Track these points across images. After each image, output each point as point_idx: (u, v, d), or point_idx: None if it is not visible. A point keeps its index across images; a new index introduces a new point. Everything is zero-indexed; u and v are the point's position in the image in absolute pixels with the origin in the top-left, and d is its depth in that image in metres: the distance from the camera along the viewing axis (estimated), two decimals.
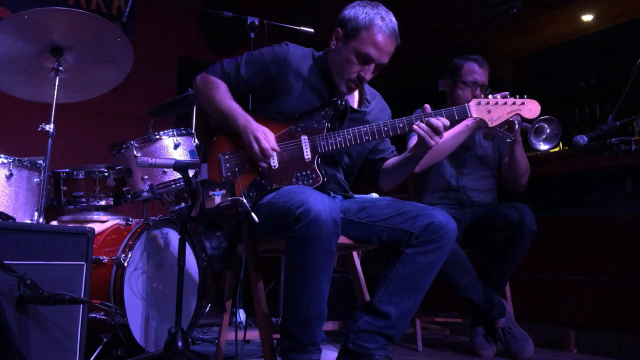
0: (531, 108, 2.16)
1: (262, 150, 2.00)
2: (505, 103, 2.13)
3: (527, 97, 2.14)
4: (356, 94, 2.27)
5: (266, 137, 2.03)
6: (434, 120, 2.00)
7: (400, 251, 1.97)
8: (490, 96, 2.16)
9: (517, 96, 2.16)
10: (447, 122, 2.03)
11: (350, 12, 2.12)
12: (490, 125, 2.12)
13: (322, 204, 1.77)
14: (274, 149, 2.02)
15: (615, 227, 3.13)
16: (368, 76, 2.12)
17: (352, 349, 1.92)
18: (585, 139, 2.17)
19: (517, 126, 2.63)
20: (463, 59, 3.04)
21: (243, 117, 2.07)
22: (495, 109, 2.12)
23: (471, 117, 2.11)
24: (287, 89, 2.15)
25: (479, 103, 2.11)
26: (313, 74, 2.18)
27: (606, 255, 3.14)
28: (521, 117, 2.18)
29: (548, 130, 2.52)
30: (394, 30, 2.08)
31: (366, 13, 2.08)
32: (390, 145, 2.38)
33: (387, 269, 1.99)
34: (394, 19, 2.11)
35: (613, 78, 4.39)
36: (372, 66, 2.11)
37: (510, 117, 2.18)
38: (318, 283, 1.81)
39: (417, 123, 2.02)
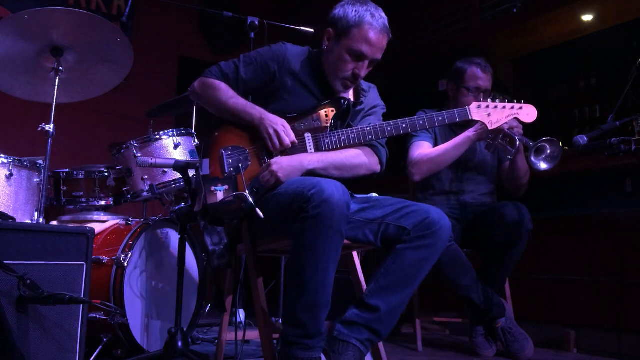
0: (529, 112, 2.32)
1: (283, 145, 2.03)
2: (504, 107, 2.26)
3: (526, 98, 2.24)
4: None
5: (286, 131, 2.05)
6: None
7: (394, 248, 1.98)
8: (489, 100, 2.25)
9: (515, 101, 2.26)
10: None
11: (339, 11, 2.13)
12: (490, 127, 2.23)
13: (334, 186, 1.79)
14: (293, 142, 2.05)
15: (615, 227, 3.13)
16: (363, 73, 2.14)
17: (335, 336, 1.92)
18: (585, 139, 2.17)
19: (518, 142, 2.66)
20: (467, 63, 3.00)
21: (257, 110, 2.09)
22: (495, 112, 2.23)
23: (471, 118, 2.19)
24: (285, 88, 2.16)
25: (479, 106, 2.20)
26: (308, 73, 2.18)
27: (606, 255, 3.14)
28: (518, 120, 2.30)
29: (549, 151, 2.54)
30: (384, 26, 2.10)
31: (356, 11, 2.09)
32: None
33: (379, 265, 2.00)
34: (383, 14, 2.12)
35: (613, 78, 4.37)
36: (366, 62, 2.12)
37: (508, 128, 2.24)
38: (327, 265, 1.80)
39: None
